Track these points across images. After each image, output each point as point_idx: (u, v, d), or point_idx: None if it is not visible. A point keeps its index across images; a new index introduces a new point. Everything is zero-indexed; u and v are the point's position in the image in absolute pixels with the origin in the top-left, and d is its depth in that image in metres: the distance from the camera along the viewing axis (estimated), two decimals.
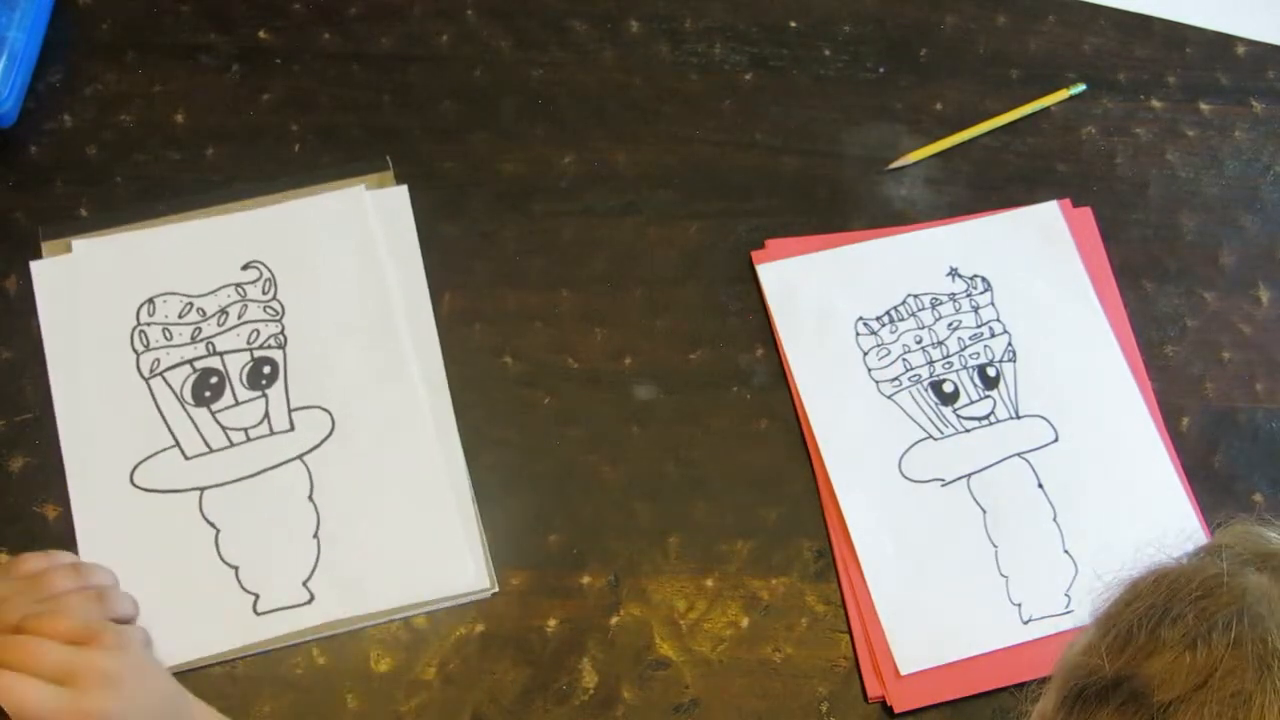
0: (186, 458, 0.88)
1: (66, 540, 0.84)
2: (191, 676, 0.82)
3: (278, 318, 0.92)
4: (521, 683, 0.83)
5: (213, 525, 0.86)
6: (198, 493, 0.86)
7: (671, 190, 0.99)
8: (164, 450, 0.88)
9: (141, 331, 0.91)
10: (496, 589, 0.85)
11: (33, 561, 0.80)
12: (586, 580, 0.87)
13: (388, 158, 0.97)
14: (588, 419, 0.91)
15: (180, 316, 0.91)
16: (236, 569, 0.85)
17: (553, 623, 0.85)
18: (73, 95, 0.98)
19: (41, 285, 0.91)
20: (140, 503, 0.86)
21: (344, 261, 0.93)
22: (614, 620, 0.86)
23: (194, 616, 0.83)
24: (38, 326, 0.90)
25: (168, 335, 0.91)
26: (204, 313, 0.92)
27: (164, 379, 0.90)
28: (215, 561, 0.85)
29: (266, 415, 0.89)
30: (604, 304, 0.95)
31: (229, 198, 0.95)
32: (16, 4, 0.94)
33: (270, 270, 0.93)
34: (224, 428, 0.88)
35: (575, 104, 1.01)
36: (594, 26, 1.04)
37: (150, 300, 0.91)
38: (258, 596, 0.84)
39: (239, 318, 0.91)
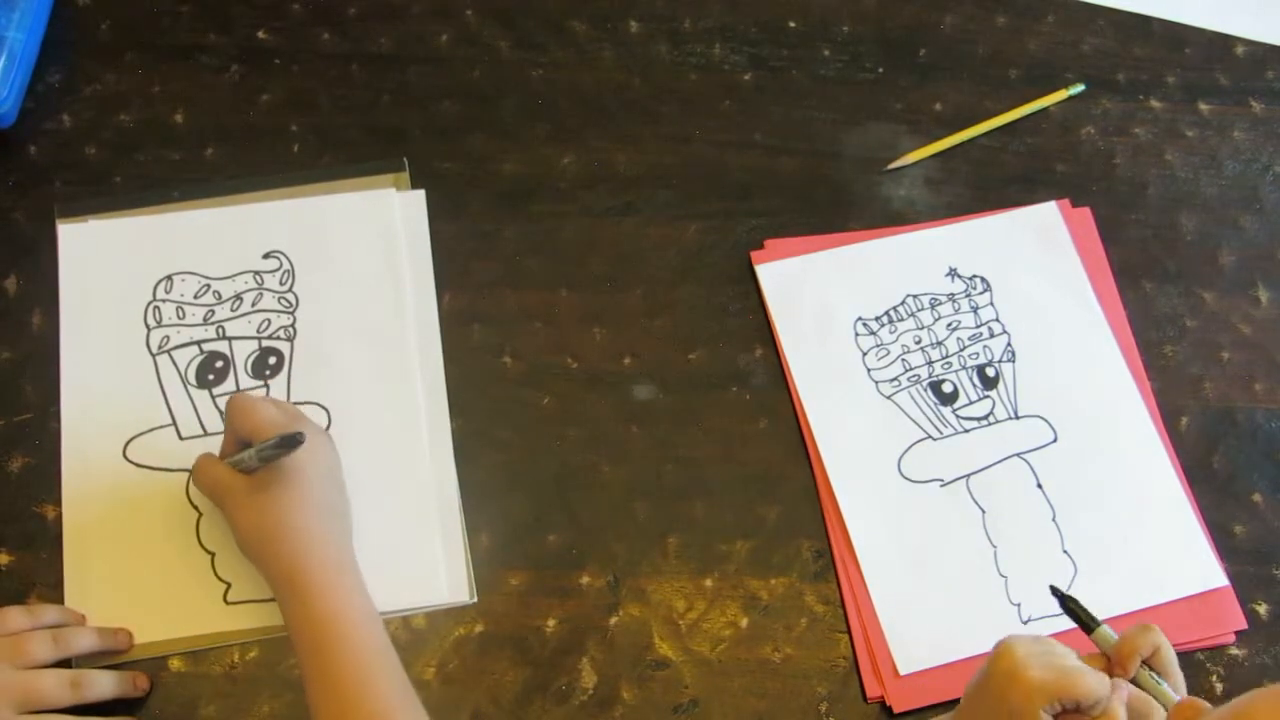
0: (181, 438, 0.88)
1: (55, 523, 0.85)
2: (191, 676, 0.82)
3: (290, 310, 0.92)
4: (521, 683, 0.84)
5: (196, 509, 0.86)
6: (186, 474, 0.87)
7: (671, 190, 0.99)
8: (160, 428, 0.88)
9: (156, 307, 0.91)
10: (476, 600, 0.85)
11: None
12: (586, 580, 0.87)
13: (405, 160, 0.97)
14: (587, 419, 0.91)
15: (196, 297, 0.92)
16: (213, 555, 0.85)
17: (552, 623, 0.85)
18: (73, 95, 0.98)
19: (66, 248, 0.93)
20: (129, 476, 0.87)
21: (365, 261, 0.94)
22: (613, 620, 0.86)
23: (165, 597, 0.84)
24: (38, 326, 0.91)
25: (180, 314, 0.91)
26: (219, 296, 0.92)
27: (170, 357, 0.90)
28: (194, 545, 0.85)
29: (271, 399, 0.89)
30: (604, 304, 0.95)
31: (245, 188, 0.95)
32: (16, 4, 0.94)
33: (290, 262, 0.93)
34: (222, 413, 0.89)
35: (575, 104, 1.01)
36: (594, 26, 1.04)
37: (169, 277, 0.92)
38: (229, 585, 0.84)
39: (253, 305, 0.92)
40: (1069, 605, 0.76)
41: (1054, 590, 0.77)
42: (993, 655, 0.71)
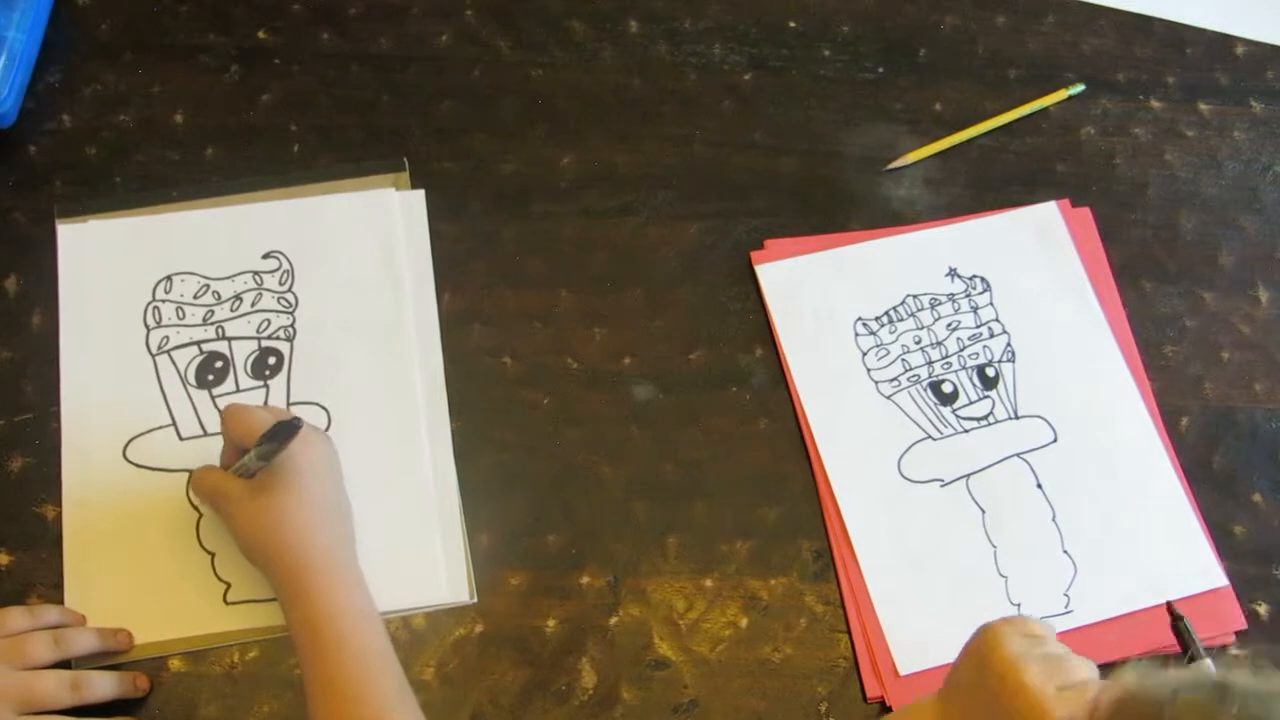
0: (181, 438, 0.88)
1: (55, 523, 0.85)
2: (191, 676, 0.82)
3: (290, 310, 0.92)
4: (521, 683, 0.84)
5: (196, 509, 0.86)
6: (186, 474, 0.87)
7: (671, 190, 0.99)
8: (160, 428, 0.88)
9: (155, 308, 0.91)
10: (476, 600, 0.85)
11: None
12: (586, 580, 0.87)
13: (405, 160, 0.97)
14: (587, 419, 0.91)
15: (195, 297, 0.92)
16: (213, 555, 0.85)
17: (552, 623, 0.85)
18: (72, 95, 0.98)
19: (65, 248, 0.93)
20: (129, 476, 0.87)
21: (365, 261, 0.94)
22: (613, 620, 0.86)
23: (165, 597, 0.84)
24: (38, 326, 0.91)
25: (180, 314, 0.91)
26: (219, 296, 0.92)
27: (170, 357, 0.90)
28: (194, 545, 0.85)
29: (265, 406, 0.89)
30: (603, 304, 0.95)
31: (245, 188, 0.95)
32: (16, 4, 0.94)
33: (290, 262, 0.93)
34: (222, 413, 0.89)
35: (575, 104, 1.01)
36: (593, 26, 1.04)
37: (168, 278, 0.92)
38: (229, 586, 0.84)
39: (252, 305, 0.92)
40: (1180, 628, 0.77)
41: (1170, 609, 0.78)
42: (981, 647, 0.67)
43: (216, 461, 0.85)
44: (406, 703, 0.74)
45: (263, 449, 0.76)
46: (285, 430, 0.76)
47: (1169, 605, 0.78)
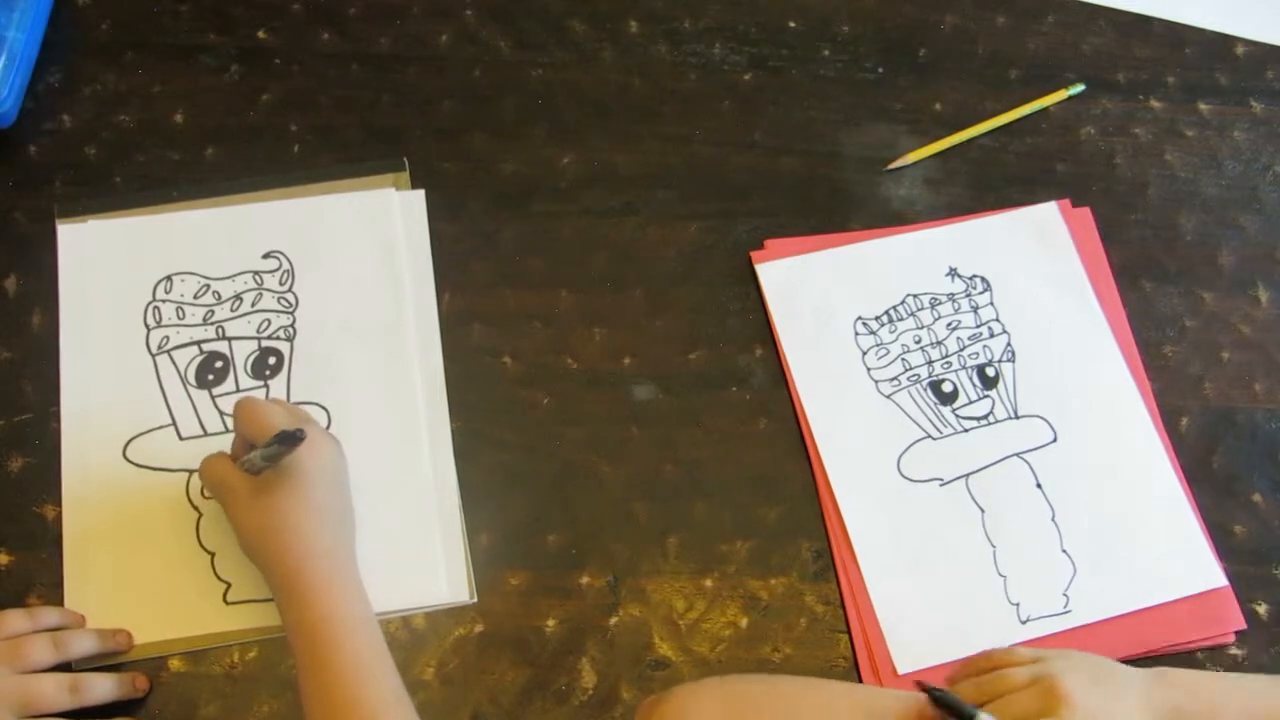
0: (181, 438, 0.88)
1: (55, 523, 0.85)
2: (191, 676, 0.82)
3: (290, 310, 0.92)
4: (520, 683, 0.84)
5: (196, 509, 0.86)
6: (186, 474, 0.87)
7: (671, 190, 0.99)
8: (160, 428, 0.88)
9: (155, 307, 0.91)
10: (476, 600, 0.85)
11: None
12: (585, 580, 0.87)
13: (405, 160, 0.97)
14: (587, 419, 0.91)
15: (195, 297, 0.92)
16: (213, 555, 0.85)
17: (552, 623, 0.85)
18: (72, 95, 0.98)
19: (66, 248, 0.93)
20: (129, 476, 0.87)
21: (365, 261, 0.94)
22: (613, 620, 0.86)
23: (164, 597, 0.84)
24: (38, 326, 0.91)
25: (180, 314, 0.91)
26: (219, 296, 0.92)
27: (170, 357, 0.90)
28: (194, 545, 0.85)
29: (279, 401, 0.89)
30: (603, 304, 0.95)
31: (245, 188, 0.96)
32: (16, 4, 0.94)
33: (290, 262, 0.93)
34: (222, 413, 0.89)
35: (575, 104, 1.01)
36: (593, 26, 1.04)
37: (169, 278, 0.92)
38: (229, 586, 0.84)
39: (253, 305, 0.92)
40: (943, 701, 0.68)
41: (921, 687, 0.69)
42: None
43: None
44: (402, 707, 0.74)
45: (267, 451, 0.76)
46: (289, 438, 0.76)
47: (919, 684, 0.69)
